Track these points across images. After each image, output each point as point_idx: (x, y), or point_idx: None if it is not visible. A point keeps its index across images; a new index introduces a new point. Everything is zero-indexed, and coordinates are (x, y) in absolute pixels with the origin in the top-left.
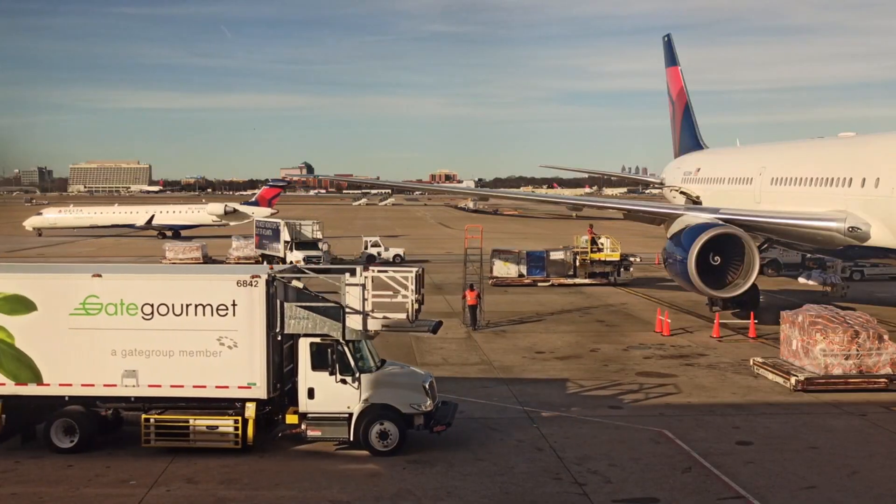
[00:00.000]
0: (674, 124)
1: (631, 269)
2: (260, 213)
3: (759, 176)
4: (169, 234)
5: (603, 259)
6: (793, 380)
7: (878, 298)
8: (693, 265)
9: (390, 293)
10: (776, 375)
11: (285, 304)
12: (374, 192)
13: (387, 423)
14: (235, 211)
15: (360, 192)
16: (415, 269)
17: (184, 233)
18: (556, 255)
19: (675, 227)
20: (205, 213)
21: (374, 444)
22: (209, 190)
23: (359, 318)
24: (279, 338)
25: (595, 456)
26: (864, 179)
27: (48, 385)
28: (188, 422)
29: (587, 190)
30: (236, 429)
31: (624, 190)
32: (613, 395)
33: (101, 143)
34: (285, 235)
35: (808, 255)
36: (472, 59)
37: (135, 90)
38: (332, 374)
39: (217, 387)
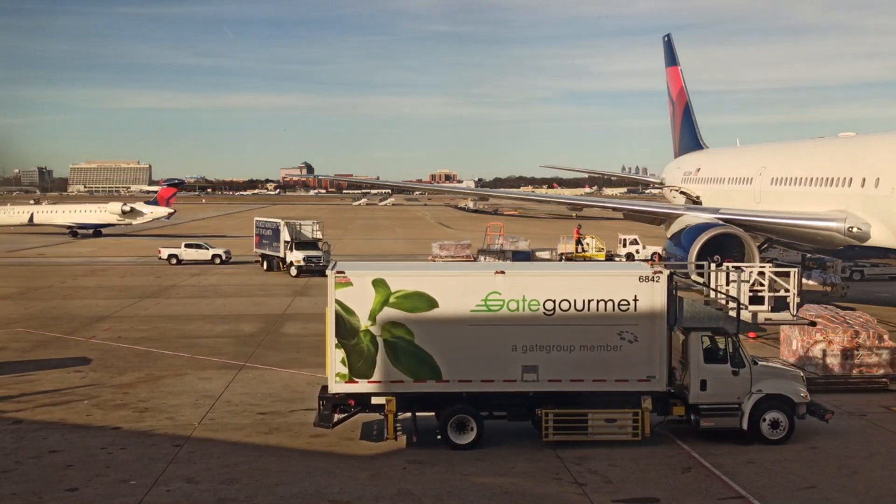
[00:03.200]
0: (674, 124)
1: None
2: (158, 213)
3: (759, 176)
4: (90, 232)
5: (588, 258)
6: None
7: (878, 298)
8: (693, 265)
9: (769, 288)
10: None
11: (684, 299)
12: (374, 192)
13: (777, 412)
14: (133, 210)
15: (360, 192)
16: (796, 267)
17: (104, 231)
18: (543, 255)
19: (675, 226)
20: (106, 212)
21: (765, 433)
22: (209, 190)
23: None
24: (675, 331)
25: (595, 456)
26: (864, 179)
27: (447, 382)
28: (586, 415)
29: (587, 190)
30: (635, 421)
31: (624, 190)
32: None
33: (101, 143)
34: (285, 235)
35: (808, 255)
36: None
37: (135, 90)
38: (732, 366)
39: (616, 380)
